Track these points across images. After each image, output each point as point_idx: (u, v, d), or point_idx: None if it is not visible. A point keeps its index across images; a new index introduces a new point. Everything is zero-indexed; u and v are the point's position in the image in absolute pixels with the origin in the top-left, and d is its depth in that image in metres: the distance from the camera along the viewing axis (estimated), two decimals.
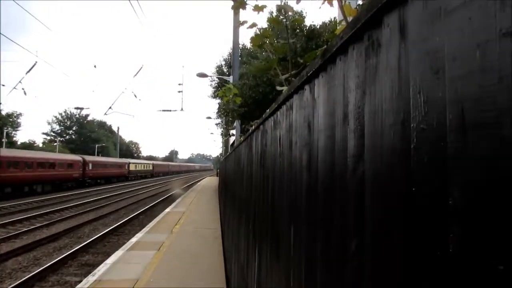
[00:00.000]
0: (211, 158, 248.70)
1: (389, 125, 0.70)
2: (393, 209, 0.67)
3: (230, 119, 10.27)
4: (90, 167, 37.68)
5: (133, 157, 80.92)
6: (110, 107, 29.87)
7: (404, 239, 0.64)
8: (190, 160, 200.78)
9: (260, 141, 2.44)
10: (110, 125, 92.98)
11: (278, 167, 1.74)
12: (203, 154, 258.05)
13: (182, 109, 28.47)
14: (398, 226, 0.66)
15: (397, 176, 0.66)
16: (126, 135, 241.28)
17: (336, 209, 0.94)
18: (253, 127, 2.99)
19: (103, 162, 41.53)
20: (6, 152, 24.74)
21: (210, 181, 44.94)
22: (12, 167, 23.97)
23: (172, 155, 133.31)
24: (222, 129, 30.95)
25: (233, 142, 13.98)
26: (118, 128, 69.39)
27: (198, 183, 42.18)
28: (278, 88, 2.35)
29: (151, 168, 63.77)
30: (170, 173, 79.21)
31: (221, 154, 44.18)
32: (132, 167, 52.14)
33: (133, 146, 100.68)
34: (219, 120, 31.33)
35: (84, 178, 35.93)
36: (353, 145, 0.85)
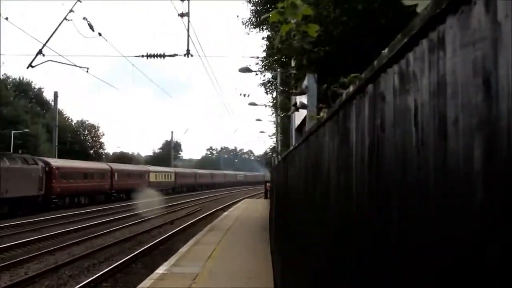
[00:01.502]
0: (251, 156, 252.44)
1: None
2: None
3: (294, 72, 10.31)
4: (116, 178, 65.78)
5: (88, 157, 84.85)
6: (40, 52, 31.17)
7: None
8: (205, 161, 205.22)
9: (368, 119, 2.47)
10: (40, 89, 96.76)
11: (414, 174, 1.77)
12: (237, 150, 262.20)
13: (188, 53, 28.92)
14: None
15: None
16: (73, 111, 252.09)
17: None
18: (350, 88, 3.00)
19: (127, 171, 71.35)
20: (64, 162, 54.31)
21: (252, 207, 45.73)
22: (70, 178, 52.93)
23: (169, 152, 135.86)
24: (275, 95, 31.14)
25: (303, 121, 14.05)
26: (56, 95, 71.63)
27: (226, 212, 43.28)
28: (407, 0, 2.33)
29: (172, 178, 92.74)
30: (196, 187, 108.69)
31: (273, 151, 44.28)
32: (152, 177, 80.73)
33: (88, 132, 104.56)
34: (268, 76, 31.58)
35: (112, 191, 64.66)
36: None
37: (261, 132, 56.73)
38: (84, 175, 57.15)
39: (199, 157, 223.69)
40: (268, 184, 58.48)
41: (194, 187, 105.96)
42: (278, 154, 29.17)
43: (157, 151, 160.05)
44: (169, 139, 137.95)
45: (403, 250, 1.88)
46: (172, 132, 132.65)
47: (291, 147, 10.56)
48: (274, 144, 43.97)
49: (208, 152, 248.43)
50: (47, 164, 49.48)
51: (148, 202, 52.12)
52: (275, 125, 39.62)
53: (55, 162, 52.46)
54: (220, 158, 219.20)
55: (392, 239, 2.02)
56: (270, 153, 50.02)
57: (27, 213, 42.16)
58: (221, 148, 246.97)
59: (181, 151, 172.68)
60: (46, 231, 32.25)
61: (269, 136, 49.02)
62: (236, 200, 67.14)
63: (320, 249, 4.23)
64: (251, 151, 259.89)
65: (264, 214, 36.43)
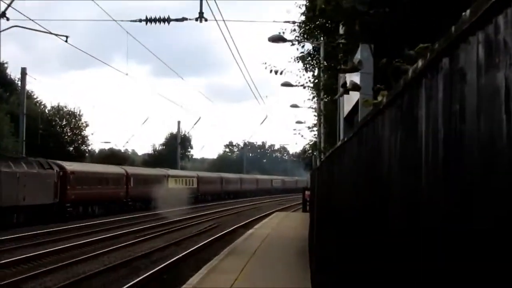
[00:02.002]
0: (284, 155, 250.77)
1: None
2: None
3: (343, 41, 10.30)
4: (132, 184, 76.51)
5: (67, 156, 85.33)
6: (3, 15, 31.48)
7: None
8: (222, 161, 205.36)
9: (442, 104, 2.50)
10: (3, 64, 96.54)
11: (506, 176, 1.77)
12: (265, 146, 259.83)
13: (201, 17, 29.00)
14: None
15: None
16: (47, 93, 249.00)
17: None
18: (418, 63, 3.01)
19: (143, 176, 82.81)
20: (78, 166, 65.17)
21: (285, 224, 45.63)
22: (85, 184, 62.37)
23: (175, 149, 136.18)
24: (317, 72, 30.89)
25: (354, 107, 14.04)
26: (24, 72, 72.25)
27: (252, 229, 43.25)
28: None
29: (195, 184, 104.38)
30: (222, 195, 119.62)
31: (314, 148, 43.62)
32: (171, 183, 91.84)
33: (66, 122, 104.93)
34: (307, 47, 31.36)
35: (127, 199, 74.59)
36: None
37: (298, 122, 55.75)
38: (99, 181, 66.49)
39: (215, 156, 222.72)
40: (307, 193, 58.12)
41: (219, 195, 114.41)
42: (321, 152, 29.00)
43: (158, 147, 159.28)
44: (175, 132, 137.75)
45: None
46: (179, 123, 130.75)
47: (338, 143, 10.51)
48: (315, 139, 43.56)
49: (227, 150, 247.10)
50: (61, 168, 57.76)
51: (165, 213, 58.79)
52: (316, 114, 39.22)
53: (69, 166, 61.46)
54: (243, 158, 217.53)
55: (479, 263, 2.03)
56: (310, 151, 49.38)
57: (41, 223, 48.58)
58: (245, 144, 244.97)
59: (191, 148, 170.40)
60: (33, 250, 32.89)
61: (309, 128, 48.22)
62: (264, 213, 67.04)
63: (380, 276, 4.23)
64: (284, 148, 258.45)
65: (301, 232, 36.34)
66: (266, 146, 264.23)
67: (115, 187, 70.73)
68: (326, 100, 28.08)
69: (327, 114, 29.99)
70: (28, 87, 75.77)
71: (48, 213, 52.21)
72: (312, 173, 35.04)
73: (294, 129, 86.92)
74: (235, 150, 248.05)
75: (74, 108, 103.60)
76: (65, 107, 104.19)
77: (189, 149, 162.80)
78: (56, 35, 37.49)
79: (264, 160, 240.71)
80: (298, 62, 31.90)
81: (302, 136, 47.29)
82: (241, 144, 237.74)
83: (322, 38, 23.96)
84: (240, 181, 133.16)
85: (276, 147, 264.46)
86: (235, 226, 49.78)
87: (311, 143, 46.75)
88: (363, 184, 5.55)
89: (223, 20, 43.42)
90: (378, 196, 4.40)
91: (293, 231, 39.61)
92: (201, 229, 49.08)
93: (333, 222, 9.92)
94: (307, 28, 26.34)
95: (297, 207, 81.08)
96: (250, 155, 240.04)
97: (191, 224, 53.81)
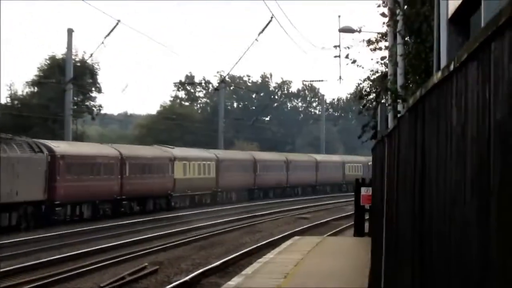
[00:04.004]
0: (314, 105, 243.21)
1: None
2: None
3: None
4: (128, 172, 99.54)
5: None
6: None
7: None
8: (167, 118, 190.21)
9: None
10: None
11: None
12: (270, 85, 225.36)
13: None
14: None
15: None
16: None
17: None
18: None
19: (141, 159, 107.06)
20: (67, 146, 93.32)
21: (316, 263, 44.82)
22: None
23: (62, 95, 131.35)
24: None
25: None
26: None
27: (237, 279, 40.99)
28: None
29: (211, 173, 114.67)
30: (287, 189, 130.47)
31: (380, 86, 39.99)
32: (178, 170, 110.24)
33: None
34: None
35: (121, 195, 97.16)
36: None
37: (343, 31, 51.50)
38: (90, 168, 76.68)
39: (153, 110, 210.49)
40: (364, 192, 54.77)
41: (283, 190, 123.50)
42: (397, 98, 26.88)
43: (24, 91, 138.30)
44: (60, 56, 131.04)
45: None
46: (70, 32, 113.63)
47: (438, 74, 9.50)
48: (384, 68, 39.93)
49: (182, 95, 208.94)
50: (50, 150, 64.61)
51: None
52: (387, 12, 34.07)
53: (57, 146, 69.10)
54: (219, 110, 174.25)
55: None
56: (372, 96, 45.13)
57: (31, 228, 58.64)
58: (222, 81, 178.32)
59: (98, 91, 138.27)
60: None
61: (369, 43, 42.20)
62: (269, 239, 63.84)
63: None
64: (312, 90, 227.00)
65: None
66: (271, 86, 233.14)
67: (107, 177, 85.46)
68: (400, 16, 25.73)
69: (411, 14, 26.66)
70: None
71: (36, 214, 59.49)
72: (375, 146, 31.45)
73: (336, 47, 76.23)
74: (201, 94, 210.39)
75: None
76: None
77: (92, 93, 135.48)
78: None
79: (267, 118, 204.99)
80: None
81: (354, 62, 41.65)
82: (214, 83, 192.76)
83: None
84: (316, 167, 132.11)
85: (295, 87, 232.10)
86: (199, 271, 46.35)
87: (374, 78, 42.62)
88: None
89: None
90: None
91: (332, 284, 36.12)
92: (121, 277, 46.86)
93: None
94: None
95: (344, 223, 78.93)
96: (235, 105, 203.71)
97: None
